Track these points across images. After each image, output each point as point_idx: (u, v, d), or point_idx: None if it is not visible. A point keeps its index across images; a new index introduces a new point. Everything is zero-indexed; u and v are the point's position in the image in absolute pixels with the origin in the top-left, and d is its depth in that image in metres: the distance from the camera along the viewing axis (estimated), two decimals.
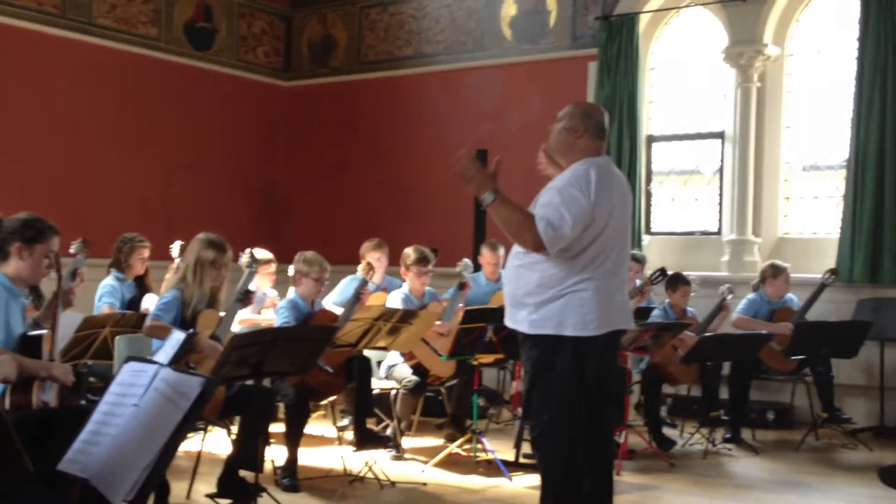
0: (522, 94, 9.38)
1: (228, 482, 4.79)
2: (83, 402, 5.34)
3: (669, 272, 7.29)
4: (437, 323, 6.26)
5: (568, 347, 3.90)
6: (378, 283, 7.17)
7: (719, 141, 8.81)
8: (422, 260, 6.60)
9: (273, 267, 7.22)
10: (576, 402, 3.95)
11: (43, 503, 2.91)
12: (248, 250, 5.46)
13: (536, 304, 3.93)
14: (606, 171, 4.01)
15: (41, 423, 3.53)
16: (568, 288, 3.89)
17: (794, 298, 7.36)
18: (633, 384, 6.79)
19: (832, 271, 7.30)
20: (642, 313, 7.11)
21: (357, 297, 5.84)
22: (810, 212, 8.49)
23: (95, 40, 9.03)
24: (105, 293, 6.51)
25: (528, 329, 3.97)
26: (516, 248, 4.04)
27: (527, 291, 3.96)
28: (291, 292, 5.98)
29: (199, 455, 5.15)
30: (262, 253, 6.94)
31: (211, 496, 4.80)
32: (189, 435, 4.97)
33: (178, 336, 4.36)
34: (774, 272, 7.29)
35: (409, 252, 6.67)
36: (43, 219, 3.96)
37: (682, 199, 9.05)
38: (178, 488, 4.81)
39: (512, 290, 4.05)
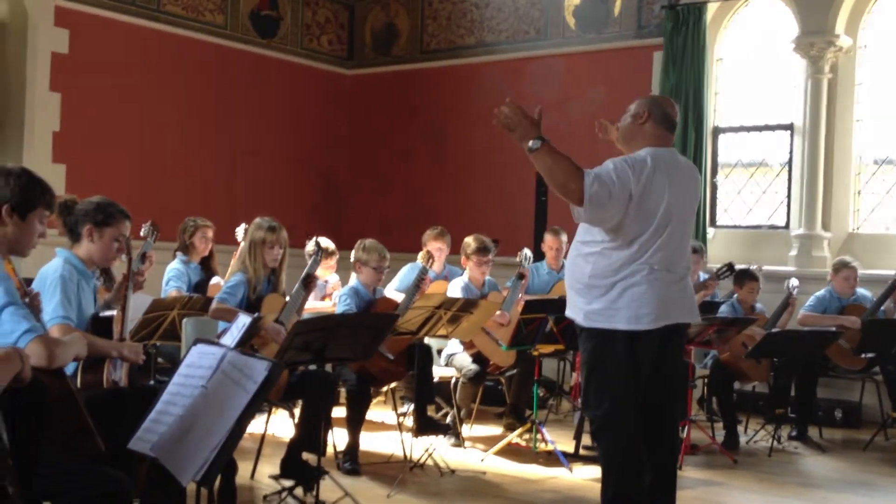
0: (586, 84, 9.28)
1: (291, 464, 4.84)
2: (151, 382, 5.44)
3: (738, 266, 7.17)
4: (497, 313, 6.24)
5: (621, 341, 3.86)
6: (438, 271, 7.18)
7: (788, 133, 8.63)
8: (482, 249, 6.58)
9: (334, 259, 7.24)
10: (631, 395, 3.90)
11: (109, 483, 2.95)
12: (314, 238, 5.54)
13: (590, 297, 3.90)
14: (665, 162, 3.95)
15: (112, 403, 3.60)
16: (621, 280, 3.84)
17: (868, 295, 7.18)
18: (696, 378, 6.70)
19: None
20: (708, 307, 7.00)
21: (417, 286, 5.86)
22: (882, 207, 8.28)
23: (163, 27, 9.16)
24: (172, 277, 6.62)
25: (583, 321, 3.95)
26: (578, 237, 4.01)
27: (582, 283, 3.93)
28: (353, 279, 6.01)
29: (262, 437, 5.22)
30: (325, 243, 6.99)
31: (275, 477, 4.87)
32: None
33: (244, 320, 4.40)
34: (836, 268, 7.19)
35: (470, 241, 6.65)
36: (115, 203, 4.01)
37: (749, 192, 8.89)
38: (242, 469, 4.84)
39: (570, 280, 4.05)
